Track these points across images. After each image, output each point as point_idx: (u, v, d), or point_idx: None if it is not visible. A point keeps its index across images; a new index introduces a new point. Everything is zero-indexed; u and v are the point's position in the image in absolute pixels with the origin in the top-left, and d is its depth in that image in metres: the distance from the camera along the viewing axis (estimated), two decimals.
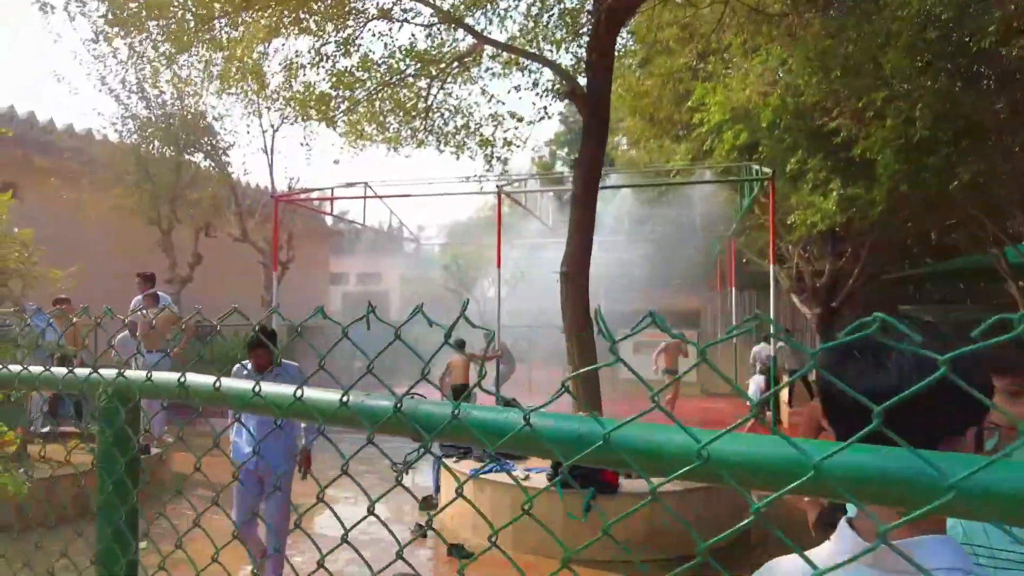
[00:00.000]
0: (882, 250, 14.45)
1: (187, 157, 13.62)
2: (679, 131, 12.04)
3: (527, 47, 7.79)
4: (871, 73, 9.70)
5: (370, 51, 7.54)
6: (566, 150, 34.89)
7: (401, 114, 8.28)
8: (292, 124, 14.39)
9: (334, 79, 7.13)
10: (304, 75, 7.35)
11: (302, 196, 12.77)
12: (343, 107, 7.57)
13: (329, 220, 27.03)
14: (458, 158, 8.81)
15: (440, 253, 17.90)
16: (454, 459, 6.26)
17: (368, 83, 7.36)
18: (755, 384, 11.80)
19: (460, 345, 9.61)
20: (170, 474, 7.55)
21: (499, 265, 10.69)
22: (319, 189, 12.87)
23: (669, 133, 11.96)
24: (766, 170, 10.15)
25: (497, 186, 10.56)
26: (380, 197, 13.65)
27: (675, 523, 5.35)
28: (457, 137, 8.68)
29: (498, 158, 8.79)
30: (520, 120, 8.16)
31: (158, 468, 6.99)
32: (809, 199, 10.69)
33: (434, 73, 7.59)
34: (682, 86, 10.96)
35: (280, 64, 8.24)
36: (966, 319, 14.95)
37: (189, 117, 13.19)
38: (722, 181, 11.38)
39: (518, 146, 9.40)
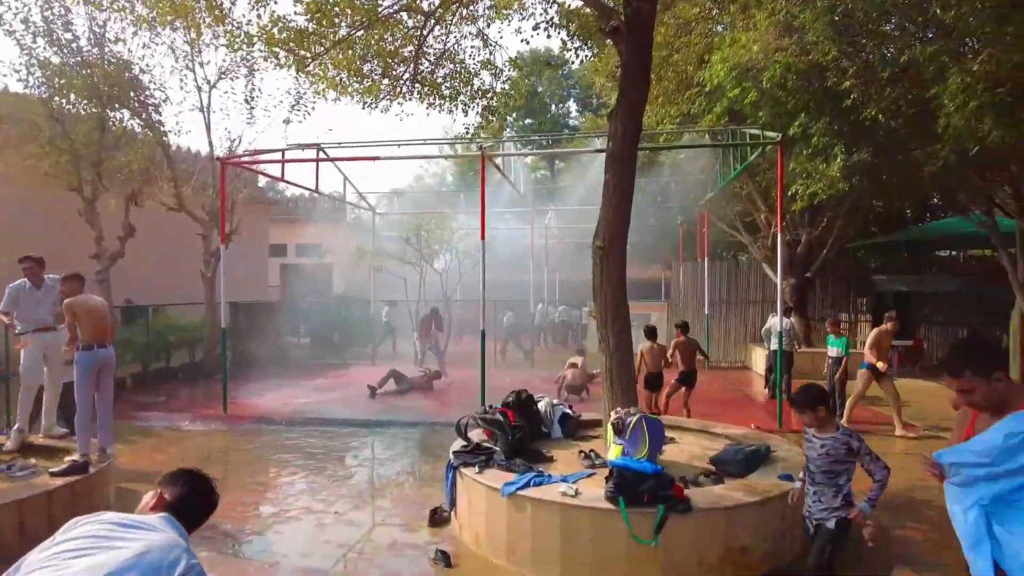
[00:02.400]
0: (859, 218, 14.17)
1: (111, 113, 11.71)
2: (678, 91, 11.16)
3: None
4: (882, 32, 9.06)
5: None
6: (513, 116, 33.73)
7: (383, 59, 6.98)
8: (236, 78, 12.78)
9: (314, 10, 5.77)
10: (272, 6, 5.96)
11: (250, 159, 11.18)
12: (323, 47, 6.22)
13: (280, 185, 25.15)
14: (451, 112, 7.59)
15: (399, 224, 16.53)
16: (475, 468, 5.24)
17: (351, 19, 6.05)
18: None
19: (652, 333, 8.78)
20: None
21: (483, 236, 9.60)
22: (269, 151, 11.33)
23: (668, 93, 11.05)
24: (771, 134, 9.43)
25: (480, 147, 9.38)
26: (338, 160, 12.22)
27: (756, 539, 4.57)
28: (446, 87, 7.46)
29: (494, 111, 7.64)
30: (549, 64, 7.01)
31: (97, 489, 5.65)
32: (810, 166, 10.06)
33: (427, 9, 6.35)
34: (695, 40, 10.04)
35: None
36: (943, 290, 14.91)
37: (110, 68, 11.28)
38: (729, 145, 10.59)
39: (520, 98, 8.27)
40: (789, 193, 10.48)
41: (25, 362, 6.37)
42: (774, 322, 10.45)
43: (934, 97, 7.68)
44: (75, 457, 5.54)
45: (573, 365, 11.35)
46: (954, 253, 17.21)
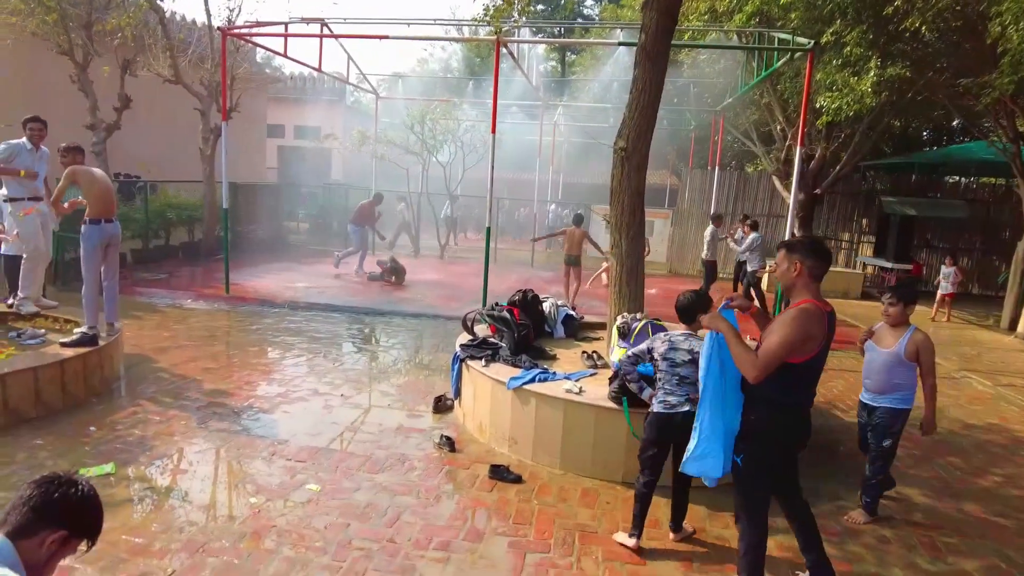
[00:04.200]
0: (875, 136, 13.82)
1: None
2: None
3: None
4: None
5: None
6: None
7: None
8: None
9: None
10: None
11: (253, 32, 10.59)
12: None
13: (276, 62, 24.08)
14: None
15: (402, 110, 15.99)
16: (481, 362, 5.35)
17: None
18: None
19: (578, 220, 10.51)
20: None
21: (494, 130, 9.31)
22: (272, 24, 10.72)
23: None
24: (802, 40, 8.96)
25: (496, 32, 8.91)
26: (344, 37, 11.62)
27: None
28: None
29: None
30: None
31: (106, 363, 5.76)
32: (838, 77, 9.65)
33: None
34: None
35: None
36: (952, 216, 14.79)
37: None
38: (757, 48, 10.09)
39: None
40: (815, 105, 10.11)
41: (26, 232, 6.28)
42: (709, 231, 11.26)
43: (985, 11, 7.25)
44: (84, 329, 5.59)
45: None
46: (964, 180, 16.94)
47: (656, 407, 3.71)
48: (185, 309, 9.24)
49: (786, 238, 9.11)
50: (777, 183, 14.93)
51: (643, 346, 3.92)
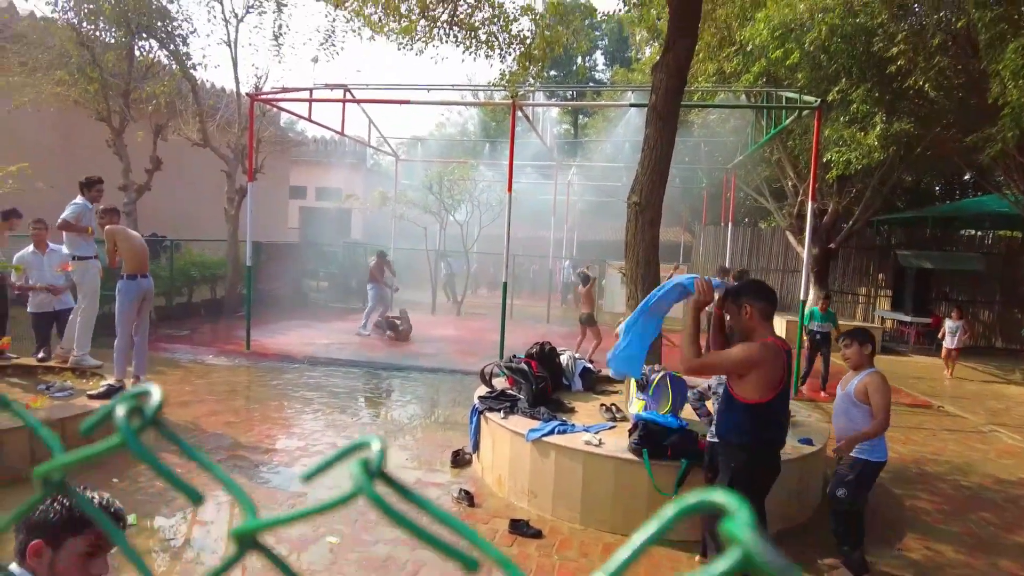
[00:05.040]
0: (886, 190, 13.94)
1: (139, 42, 11.60)
2: (719, 48, 10.87)
3: None
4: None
5: None
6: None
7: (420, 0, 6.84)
8: (263, 12, 12.59)
9: None
10: None
11: (279, 97, 11.09)
12: None
13: (299, 126, 24.98)
14: (488, 57, 7.47)
15: (421, 171, 16.47)
16: (500, 414, 5.35)
17: None
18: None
19: (584, 280, 10.69)
20: None
21: (510, 190, 9.54)
22: (297, 90, 11.22)
23: (709, 48, 10.77)
24: (809, 98, 9.21)
25: (512, 96, 9.24)
26: (366, 102, 12.10)
27: (771, 499, 4.67)
28: (484, 31, 7.31)
29: (534, 59, 7.50)
30: (592, 13, 6.84)
31: None
32: (845, 133, 9.85)
33: None
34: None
35: None
36: (968, 268, 14.72)
37: None
38: (766, 107, 10.37)
39: (565, 47, 8.11)
40: (824, 160, 10.29)
41: (92, 288, 6.40)
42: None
43: (986, 68, 7.45)
44: (111, 381, 5.70)
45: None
46: (979, 233, 16.93)
47: (708, 436, 3.94)
48: (207, 365, 9.35)
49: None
50: (791, 238, 15.01)
51: (704, 383, 4.37)
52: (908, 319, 14.33)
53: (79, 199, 6.33)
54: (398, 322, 12.13)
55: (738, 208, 17.94)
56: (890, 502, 5.42)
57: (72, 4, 10.85)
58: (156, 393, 0.45)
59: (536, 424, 5.12)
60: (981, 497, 5.66)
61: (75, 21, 10.87)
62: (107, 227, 5.74)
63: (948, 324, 11.35)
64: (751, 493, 3.15)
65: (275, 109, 13.37)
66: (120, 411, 0.45)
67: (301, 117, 11.85)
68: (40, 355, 6.62)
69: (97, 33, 11.23)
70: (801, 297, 9.14)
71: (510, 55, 7.68)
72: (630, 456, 4.52)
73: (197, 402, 7.21)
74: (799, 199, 14.10)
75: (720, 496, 0.28)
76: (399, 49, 7.53)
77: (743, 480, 3.19)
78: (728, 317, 3.30)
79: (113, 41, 11.37)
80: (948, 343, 11.28)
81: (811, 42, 9.28)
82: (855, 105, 9.48)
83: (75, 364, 6.36)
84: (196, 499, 0.46)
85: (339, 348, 10.79)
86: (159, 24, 11.54)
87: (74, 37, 10.71)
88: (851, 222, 14.27)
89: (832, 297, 10.61)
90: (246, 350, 10.05)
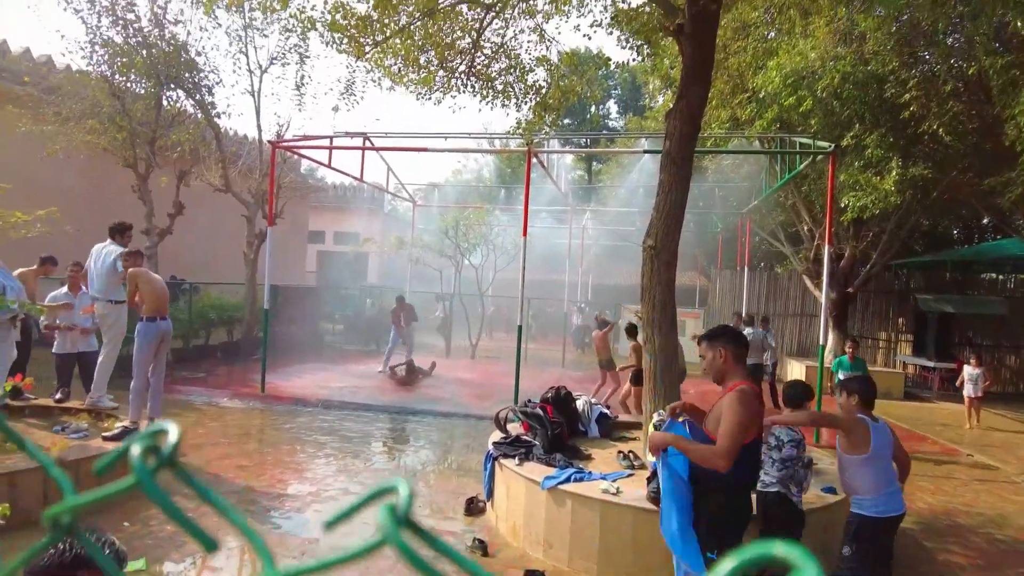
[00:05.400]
0: (904, 234, 13.86)
1: (167, 93, 12.00)
2: (732, 95, 11.03)
3: None
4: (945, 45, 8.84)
5: None
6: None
7: (441, 50, 7.03)
8: (287, 63, 12.99)
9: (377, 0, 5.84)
10: None
11: (300, 144, 11.35)
12: (384, 35, 6.28)
13: (319, 173, 25.48)
14: (504, 106, 7.63)
15: (437, 216, 16.69)
16: (515, 460, 5.25)
17: (412, 8, 6.11)
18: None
19: (602, 325, 10.30)
20: None
21: (525, 234, 9.59)
22: (318, 137, 11.49)
23: (723, 95, 10.93)
24: (823, 144, 9.26)
25: (528, 143, 9.39)
26: (385, 150, 12.35)
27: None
28: (500, 81, 7.47)
29: (549, 108, 7.63)
30: (605, 63, 7.00)
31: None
32: (861, 178, 9.86)
33: (488, 1, 6.36)
34: (752, 44, 9.91)
35: None
36: (991, 312, 14.47)
37: (169, 48, 11.56)
38: (780, 152, 10.43)
39: (581, 96, 8.26)
40: (839, 204, 10.29)
41: (121, 331, 6.45)
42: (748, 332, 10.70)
43: (1000, 113, 7.46)
44: (126, 423, 5.69)
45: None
46: (1000, 276, 16.70)
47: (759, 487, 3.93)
48: (221, 407, 9.34)
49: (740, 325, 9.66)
50: (808, 282, 14.89)
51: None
52: (931, 364, 14.03)
53: (111, 244, 6.40)
54: (399, 368, 12.16)
55: (754, 252, 17.91)
56: (920, 555, 5.20)
57: (106, 58, 11.29)
58: (173, 432, 0.43)
59: (552, 471, 5.01)
60: (1017, 551, 5.42)
61: (108, 73, 11.28)
62: (131, 269, 5.83)
63: (967, 371, 10.62)
64: (733, 537, 3.14)
65: (296, 156, 13.69)
66: (135, 450, 0.43)
67: (321, 164, 12.10)
68: (58, 396, 6.65)
69: (128, 84, 11.64)
70: (820, 341, 9.00)
71: (526, 104, 7.84)
72: (649, 505, 4.39)
73: (210, 445, 7.17)
74: (815, 243, 14.04)
75: (784, 549, 0.25)
76: (418, 99, 7.69)
77: (723, 524, 3.14)
78: (703, 361, 3.32)
79: (143, 92, 11.77)
80: (969, 391, 10.59)
81: (823, 89, 9.37)
82: (869, 150, 9.50)
83: (91, 405, 6.37)
84: (211, 547, 0.44)
85: (353, 392, 10.74)
86: (187, 75, 11.95)
87: (106, 88, 11.11)
88: (869, 266, 14.16)
89: (859, 342, 10.29)
90: (261, 393, 10.03)
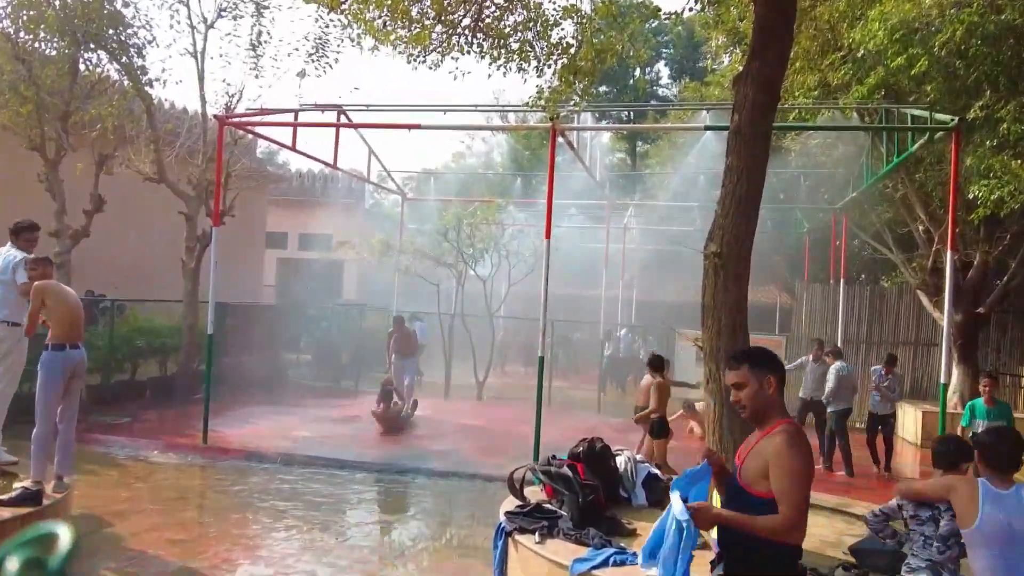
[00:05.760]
0: None
1: (85, 55, 12.22)
2: (820, 55, 11.04)
3: None
4: None
5: None
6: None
7: (436, 1, 7.10)
8: (240, 16, 13.21)
9: None
10: None
11: (257, 120, 11.51)
12: None
13: (281, 157, 25.77)
14: (521, 70, 7.69)
15: (434, 213, 16.80)
16: (535, 536, 5.22)
17: None
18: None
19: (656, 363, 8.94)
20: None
21: (548, 235, 9.62)
22: (280, 111, 11.64)
23: (809, 55, 10.93)
24: (943, 117, 9.20)
25: (551, 118, 9.43)
26: (365, 126, 12.47)
27: None
28: (516, 38, 7.52)
29: (580, 72, 7.65)
30: (654, 13, 7.02)
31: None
32: (994, 162, 9.78)
33: None
34: None
35: None
36: None
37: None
38: (884, 129, 10.39)
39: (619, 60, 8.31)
40: (966, 197, 10.21)
41: (17, 361, 6.42)
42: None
43: None
44: (27, 484, 5.73)
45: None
46: None
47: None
48: (151, 463, 9.39)
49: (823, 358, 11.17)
50: (924, 300, 14.75)
51: (893, 502, 4.41)
52: None
53: (12, 249, 6.38)
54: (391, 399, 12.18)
55: (851, 260, 17.79)
56: None
57: (8, 11, 11.54)
58: (66, 537, 0.42)
59: (584, 551, 4.98)
60: None
61: (11, 31, 11.52)
62: (37, 282, 5.89)
63: None
64: None
65: (251, 136, 13.85)
66: (11, 566, 0.42)
67: (283, 146, 12.25)
68: None
69: (36, 44, 11.86)
70: (942, 379, 8.89)
71: (549, 67, 7.85)
72: None
73: (136, 513, 7.21)
74: (933, 248, 13.91)
75: None
76: (409, 62, 7.76)
77: None
78: (737, 392, 3.20)
79: (54, 53, 11.98)
80: None
81: (942, 45, 9.34)
82: (1005, 125, 9.44)
83: None
84: None
85: (323, 442, 10.76)
86: (110, 32, 12.15)
87: (7, 50, 11.33)
88: (1006, 278, 14.00)
89: (997, 379, 9.90)
90: (203, 444, 10.07)
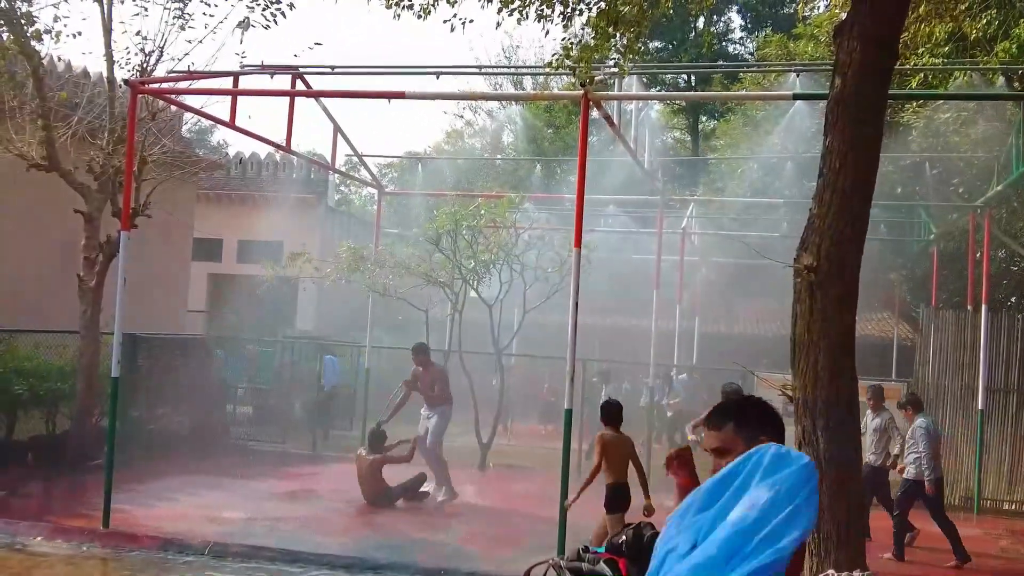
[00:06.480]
0: None
1: None
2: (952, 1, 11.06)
3: None
4: None
5: None
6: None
7: None
8: None
9: None
10: None
11: (182, 88, 11.60)
12: None
13: (215, 137, 25.85)
14: (540, 19, 7.73)
15: (420, 213, 16.88)
16: None
17: None
18: None
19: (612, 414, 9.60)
20: None
21: (578, 243, 9.62)
22: (214, 75, 11.72)
23: (936, 2, 10.96)
24: None
25: (582, 84, 9.46)
26: (330, 95, 12.54)
27: None
28: None
29: (620, 22, 7.66)
30: None
31: None
32: None
33: None
34: None
35: None
36: None
37: None
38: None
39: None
40: None
41: None
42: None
43: None
44: None
45: None
46: None
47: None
48: (31, 554, 9.38)
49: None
50: None
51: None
52: None
53: None
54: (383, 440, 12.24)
55: (997, 279, 17.70)
56: None
57: None
58: None
59: None
60: None
61: None
62: None
63: None
64: None
65: (174, 108, 13.95)
66: None
67: (219, 122, 12.31)
68: None
69: None
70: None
71: (580, 14, 7.88)
72: None
73: None
74: None
75: None
76: (389, 7, 7.82)
77: None
78: (713, 462, 3.25)
79: None
80: None
81: None
82: None
83: None
84: None
85: (269, 526, 10.75)
86: None
87: None
88: None
89: None
90: (103, 528, 10.05)
